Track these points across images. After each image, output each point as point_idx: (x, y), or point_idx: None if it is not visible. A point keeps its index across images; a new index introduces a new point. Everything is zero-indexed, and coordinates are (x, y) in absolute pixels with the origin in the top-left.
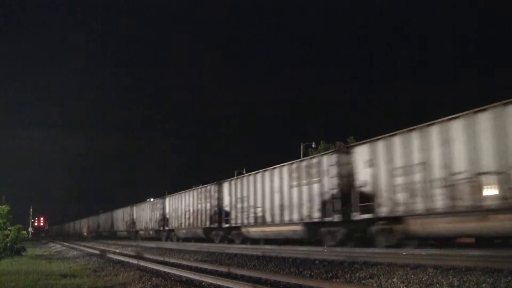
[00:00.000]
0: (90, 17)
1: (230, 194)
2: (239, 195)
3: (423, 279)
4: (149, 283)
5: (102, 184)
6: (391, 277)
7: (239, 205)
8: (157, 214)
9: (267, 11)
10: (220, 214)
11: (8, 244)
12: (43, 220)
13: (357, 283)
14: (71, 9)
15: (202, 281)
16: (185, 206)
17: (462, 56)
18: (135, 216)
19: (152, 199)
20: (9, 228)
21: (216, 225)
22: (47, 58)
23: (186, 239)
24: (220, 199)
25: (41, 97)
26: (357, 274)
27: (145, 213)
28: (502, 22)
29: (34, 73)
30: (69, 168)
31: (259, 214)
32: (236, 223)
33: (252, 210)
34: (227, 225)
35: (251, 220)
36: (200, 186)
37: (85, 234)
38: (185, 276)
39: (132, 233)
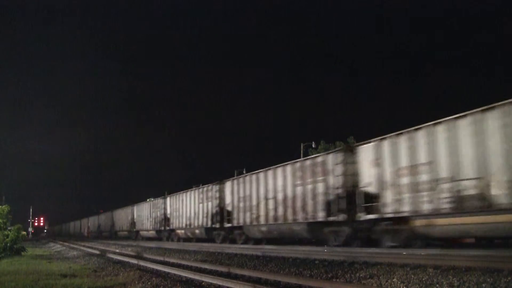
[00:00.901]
0: (90, 17)
1: (232, 194)
2: (241, 195)
3: (423, 279)
4: (149, 283)
5: (102, 184)
6: (391, 277)
7: (241, 205)
8: (158, 214)
9: (267, 11)
10: (222, 214)
11: (8, 244)
12: (43, 220)
13: (357, 283)
14: (71, 9)
15: (202, 281)
16: (186, 206)
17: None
18: (135, 216)
19: (152, 199)
20: (9, 228)
21: (217, 225)
22: (47, 58)
23: (187, 239)
24: (222, 198)
25: (41, 97)
26: (357, 274)
27: (146, 213)
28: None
29: (34, 73)
30: (69, 168)
31: (262, 213)
32: (238, 223)
33: (254, 209)
34: (229, 225)
35: (254, 220)
36: (202, 186)
37: (86, 234)
38: (185, 276)
39: (133, 233)
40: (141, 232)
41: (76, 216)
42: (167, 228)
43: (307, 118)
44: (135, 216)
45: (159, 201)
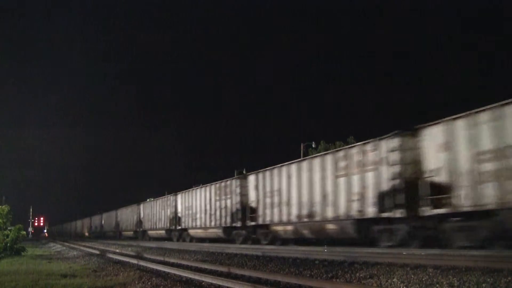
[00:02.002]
0: (90, 17)
1: (256, 188)
2: (268, 189)
3: (423, 279)
4: (149, 283)
5: (102, 184)
6: (391, 277)
7: (268, 200)
8: (168, 213)
9: (268, 10)
10: (244, 211)
11: (8, 244)
12: (43, 220)
13: (357, 283)
14: (71, 9)
15: (202, 281)
16: (200, 203)
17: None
18: (142, 215)
19: (152, 199)
20: (9, 228)
21: (239, 223)
22: (47, 58)
23: (201, 240)
24: (243, 194)
25: (41, 97)
26: (357, 274)
27: (154, 212)
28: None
29: (34, 73)
30: (69, 168)
31: (294, 210)
32: (264, 221)
33: (285, 206)
34: (252, 223)
35: (284, 217)
36: (219, 181)
37: (86, 234)
38: (185, 276)
39: (139, 233)
40: (148, 232)
41: (76, 216)
42: (178, 227)
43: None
44: (142, 215)
45: (169, 198)
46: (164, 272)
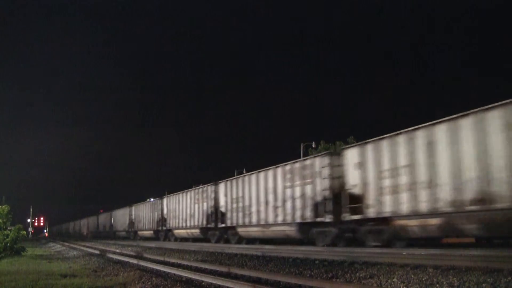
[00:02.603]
0: (90, 17)
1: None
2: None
3: (423, 279)
4: (149, 283)
5: (102, 184)
6: (391, 277)
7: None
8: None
9: (267, 10)
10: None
11: (8, 244)
12: (43, 220)
13: (357, 283)
14: (71, 9)
15: (202, 281)
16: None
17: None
18: (133, 216)
19: (152, 199)
20: (9, 228)
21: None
22: (47, 58)
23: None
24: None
25: (41, 97)
26: (357, 274)
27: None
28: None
29: (34, 73)
30: (69, 168)
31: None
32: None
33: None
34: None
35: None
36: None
37: (85, 234)
38: (185, 276)
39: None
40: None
41: (76, 216)
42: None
43: (307, 118)
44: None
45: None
46: (164, 272)
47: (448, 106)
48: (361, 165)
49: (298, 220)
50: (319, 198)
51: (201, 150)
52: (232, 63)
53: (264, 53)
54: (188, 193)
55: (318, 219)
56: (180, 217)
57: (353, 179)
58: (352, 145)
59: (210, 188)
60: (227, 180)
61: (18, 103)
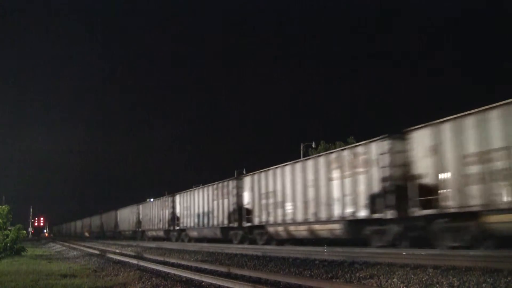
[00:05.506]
0: (90, 17)
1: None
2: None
3: (423, 279)
4: (149, 283)
5: (102, 184)
6: (391, 277)
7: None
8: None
9: (267, 11)
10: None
11: (8, 244)
12: (43, 220)
13: (357, 283)
14: (72, 9)
15: (202, 281)
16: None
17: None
18: (141, 215)
19: (152, 199)
20: (9, 228)
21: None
22: (47, 58)
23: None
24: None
25: (41, 97)
26: (357, 274)
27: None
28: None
29: (34, 72)
30: (69, 168)
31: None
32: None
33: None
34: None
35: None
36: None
37: (86, 234)
38: (185, 276)
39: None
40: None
41: (76, 216)
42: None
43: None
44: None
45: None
46: (164, 272)
47: (448, 106)
48: (435, 149)
49: (348, 217)
50: (376, 190)
51: (201, 150)
52: (232, 62)
53: (264, 52)
54: (205, 189)
55: (376, 215)
56: (196, 215)
57: (423, 167)
58: (421, 125)
59: (231, 183)
60: (254, 174)
61: (18, 103)
